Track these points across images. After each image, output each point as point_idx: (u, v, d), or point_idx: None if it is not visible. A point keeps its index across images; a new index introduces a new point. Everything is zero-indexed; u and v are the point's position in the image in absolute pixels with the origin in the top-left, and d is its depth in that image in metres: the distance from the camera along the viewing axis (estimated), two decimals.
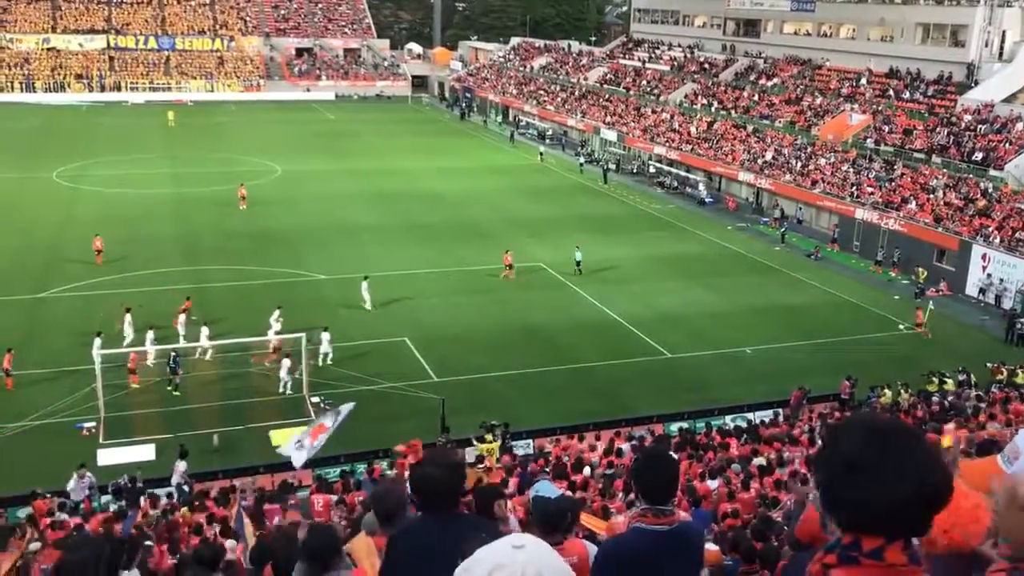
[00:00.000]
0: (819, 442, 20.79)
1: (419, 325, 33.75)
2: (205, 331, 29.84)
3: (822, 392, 28.16)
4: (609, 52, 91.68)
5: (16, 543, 17.03)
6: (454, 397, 26.87)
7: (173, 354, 28.25)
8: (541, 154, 70.34)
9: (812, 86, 63.35)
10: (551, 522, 5.00)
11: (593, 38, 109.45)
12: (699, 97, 70.15)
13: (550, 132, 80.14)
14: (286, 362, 27.95)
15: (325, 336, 30.17)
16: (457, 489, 4.01)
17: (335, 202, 52.47)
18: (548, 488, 5.76)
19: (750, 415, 26.51)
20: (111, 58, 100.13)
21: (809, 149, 55.81)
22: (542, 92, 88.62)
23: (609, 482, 17.54)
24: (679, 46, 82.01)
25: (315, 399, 27.40)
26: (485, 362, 30.98)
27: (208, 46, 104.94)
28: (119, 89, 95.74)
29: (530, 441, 25.08)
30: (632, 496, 14.94)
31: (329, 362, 30.05)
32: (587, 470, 19.30)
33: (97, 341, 27.88)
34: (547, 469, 18.83)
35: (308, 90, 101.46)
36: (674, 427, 25.82)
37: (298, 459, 19.01)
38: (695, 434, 24.04)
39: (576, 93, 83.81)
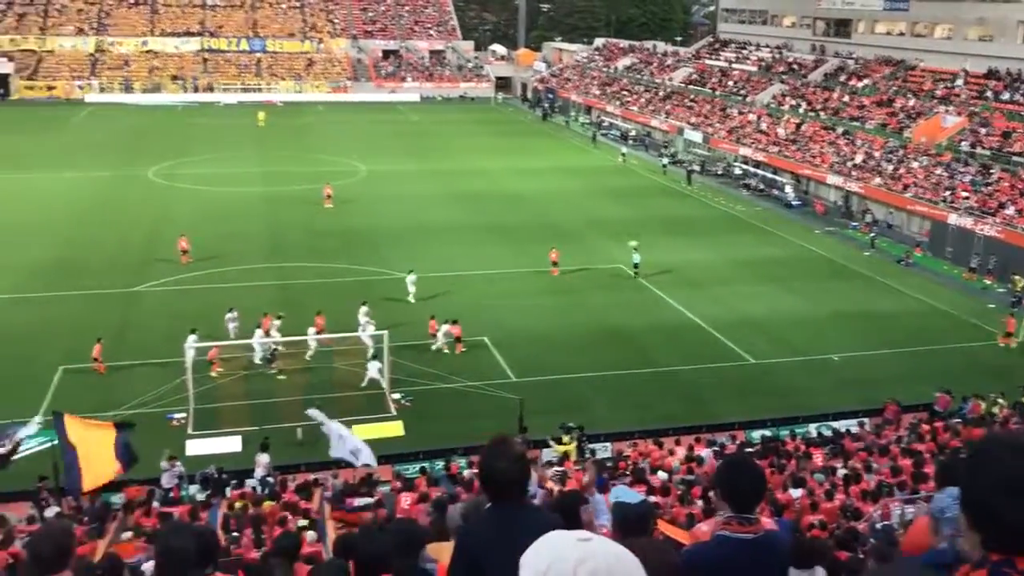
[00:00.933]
0: (916, 455, 20.19)
1: (499, 325, 33.86)
2: (312, 331, 30.36)
3: (912, 402, 27.28)
4: (695, 52, 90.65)
5: (109, 528, 17.70)
6: (532, 398, 26.88)
7: (273, 347, 29.46)
8: (623, 155, 69.91)
9: (905, 87, 61.52)
10: (632, 527, 4.95)
11: (679, 38, 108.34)
12: (787, 98, 68.81)
13: (633, 133, 79.59)
14: (375, 364, 28.29)
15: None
16: (523, 480, 4.03)
17: (418, 202, 53.06)
18: (628, 493, 5.70)
19: (835, 424, 25.86)
20: (205, 60, 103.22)
21: (901, 152, 54.21)
22: (626, 93, 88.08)
23: (688, 489, 17.32)
24: (767, 46, 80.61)
25: (396, 396, 27.75)
26: (564, 363, 30.93)
27: (298, 48, 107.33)
28: (212, 90, 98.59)
29: (608, 444, 24.94)
30: (712, 504, 14.73)
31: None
32: (664, 475, 19.10)
33: (192, 337, 28.74)
34: (626, 473, 18.70)
35: (393, 91, 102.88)
36: (756, 434, 25.36)
37: (337, 451, 19.59)
38: (778, 442, 23.57)
39: (660, 94, 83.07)
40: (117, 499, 20.44)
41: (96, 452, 17.90)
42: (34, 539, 4.63)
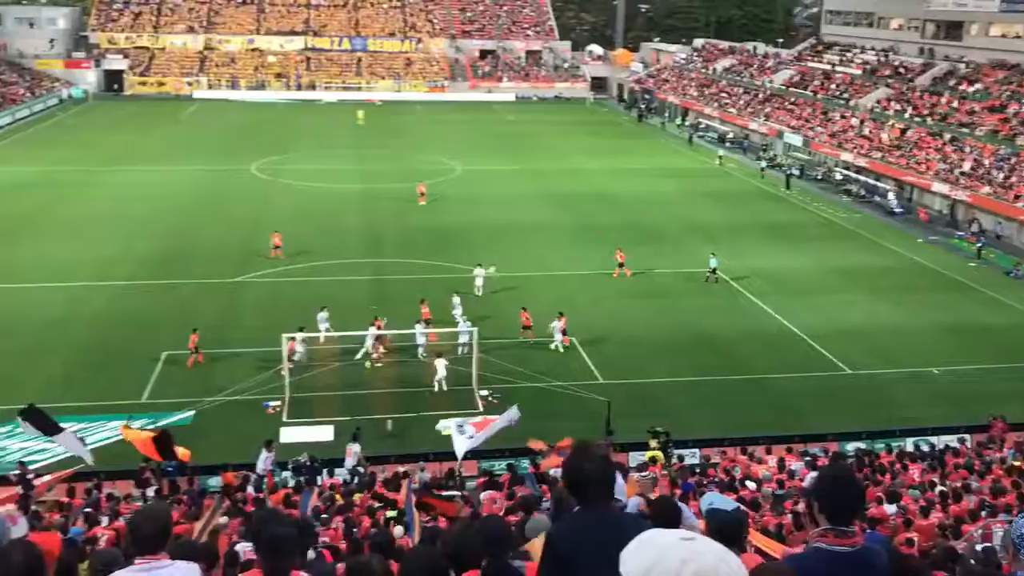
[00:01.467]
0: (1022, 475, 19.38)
1: (588, 326, 33.75)
2: (420, 327, 30.80)
3: (1020, 420, 26.13)
4: (797, 54, 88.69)
5: (205, 510, 18.31)
6: (620, 400, 26.74)
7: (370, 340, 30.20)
8: (720, 158, 68.88)
9: (1019, 92, 58.94)
10: (727, 535, 4.89)
11: (780, 40, 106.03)
12: (892, 103, 66.72)
13: (730, 135, 78.34)
14: (440, 362, 28.41)
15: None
16: (609, 481, 4.06)
17: (511, 201, 53.33)
18: (722, 500, 5.63)
19: (934, 439, 24.98)
20: (308, 58, 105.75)
21: (1013, 160, 51.97)
22: (724, 95, 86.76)
23: (779, 501, 16.97)
24: (872, 49, 78.32)
25: (483, 392, 27.96)
26: (653, 366, 30.66)
27: (397, 48, 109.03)
28: (314, 88, 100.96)
29: (696, 450, 24.62)
30: (804, 516, 14.40)
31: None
32: (753, 485, 18.76)
33: (322, 314, 30.71)
34: (715, 480, 18.44)
35: (490, 91, 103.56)
36: (850, 446, 24.67)
37: (460, 447, 19.59)
38: (873, 455, 22.89)
39: (760, 96, 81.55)
40: (214, 482, 21.18)
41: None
42: (134, 519, 4.82)
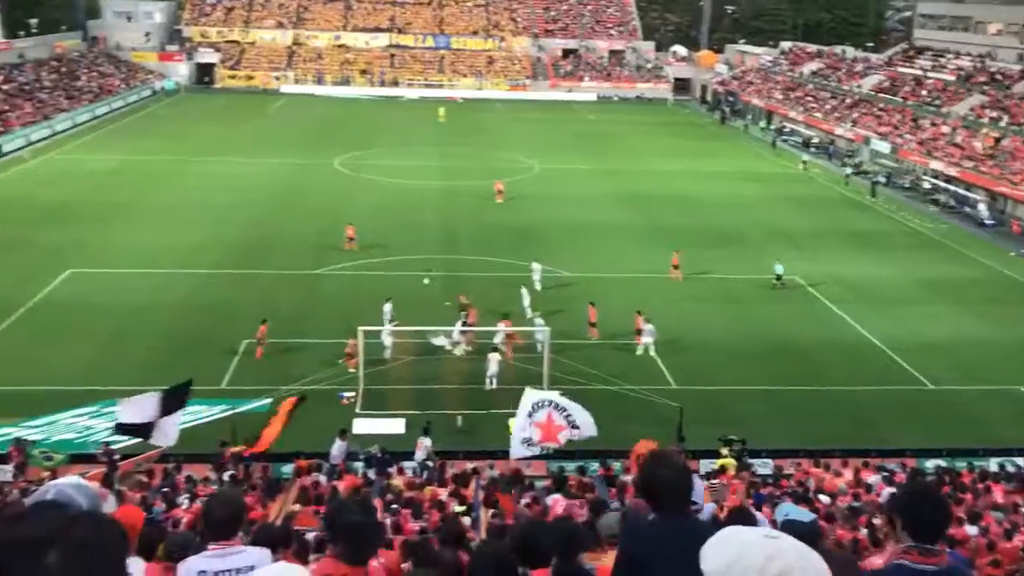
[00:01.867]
0: None
1: (662, 330, 33.36)
2: (501, 326, 30.74)
3: None
4: (888, 59, 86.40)
5: (279, 497, 18.69)
6: (692, 406, 26.41)
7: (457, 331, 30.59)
8: (804, 163, 67.51)
9: None
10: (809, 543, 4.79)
11: (870, 44, 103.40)
12: (987, 110, 64.51)
13: (815, 140, 76.76)
14: (492, 357, 28.40)
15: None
16: (687, 489, 4.02)
17: (589, 201, 53.16)
18: (799, 512, 5.52)
19: (1020, 460, 24.09)
20: (392, 55, 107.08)
21: None
22: (810, 98, 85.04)
23: (854, 515, 16.56)
24: (967, 55, 75.82)
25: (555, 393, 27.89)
26: (727, 373, 30.23)
27: (480, 46, 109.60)
28: (396, 85, 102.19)
29: (769, 461, 24.18)
30: (881, 532, 14.03)
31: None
32: (827, 498, 18.35)
33: (387, 307, 31.34)
34: (788, 491, 18.09)
35: (570, 91, 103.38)
36: (929, 464, 23.93)
37: (516, 451, 19.31)
38: (954, 473, 22.17)
39: (847, 101, 79.72)
40: (287, 469, 21.61)
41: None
42: (208, 504, 4.93)
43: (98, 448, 22.45)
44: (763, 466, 23.70)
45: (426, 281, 36.76)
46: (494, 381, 28.17)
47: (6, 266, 38.14)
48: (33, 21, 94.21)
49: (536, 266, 37.13)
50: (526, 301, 33.64)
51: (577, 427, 18.06)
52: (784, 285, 38.42)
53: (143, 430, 16.37)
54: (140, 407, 16.13)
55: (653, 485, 3.95)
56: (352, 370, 28.41)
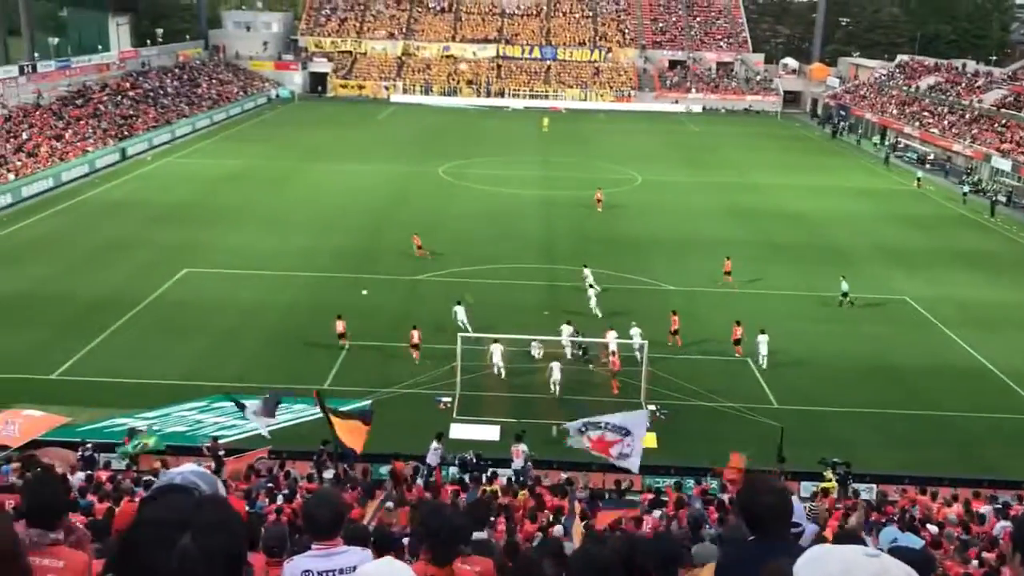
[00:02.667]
0: None
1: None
2: (613, 334, 30.66)
3: None
4: (1011, 73, 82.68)
5: (376, 497, 19.05)
6: (793, 427, 25.81)
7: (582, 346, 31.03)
8: (919, 179, 65.17)
9: None
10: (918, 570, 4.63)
11: (994, 57, 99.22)
12: None
13: (931, 156, 74.03)
14: (555, 365, 28.35)
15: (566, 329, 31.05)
16: (787, 514, 3.96)
17: (691, 213, 52.54)
18: (907, 538, 5.35)
19: None
20: (499, 66, 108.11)
21: None
22: (927, 113, 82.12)
23: (964, 547, 15.88)
24: None
25: (652, 407, 27.66)
26: (831, 395, 29.41)
27: (587, 57, 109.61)
28: (503, 95, 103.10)
29: (873, 486, 23.42)
30: (999, 565, 13.43)
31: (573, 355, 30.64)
32: (935, 528, 17.64)
33: (458, 309, 31.75)
34: (893, 518, 17.48)
35: (676, 102, 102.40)
36: None
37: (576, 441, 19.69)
38: None
39: (967, 116, 76.66)
40: (384, 471, 22.02)
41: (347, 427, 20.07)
42: (308, 505, 5.05)
43: (205, 442, 23.32)
44: (867, 491, 22.98)
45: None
46: (558, 388, 28.19)
47: (126, 264, 40.04)
48: (159, 31, 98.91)
49: (588, 271, 37.19)
50: (592, 303, 34.67)
51: (627, 455, 18.67)
52: (852, 303, 37.16)
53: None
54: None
55: (753, 510, 3.92)
56: (416, 362, 29.73)
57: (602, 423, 20.27)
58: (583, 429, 20.77)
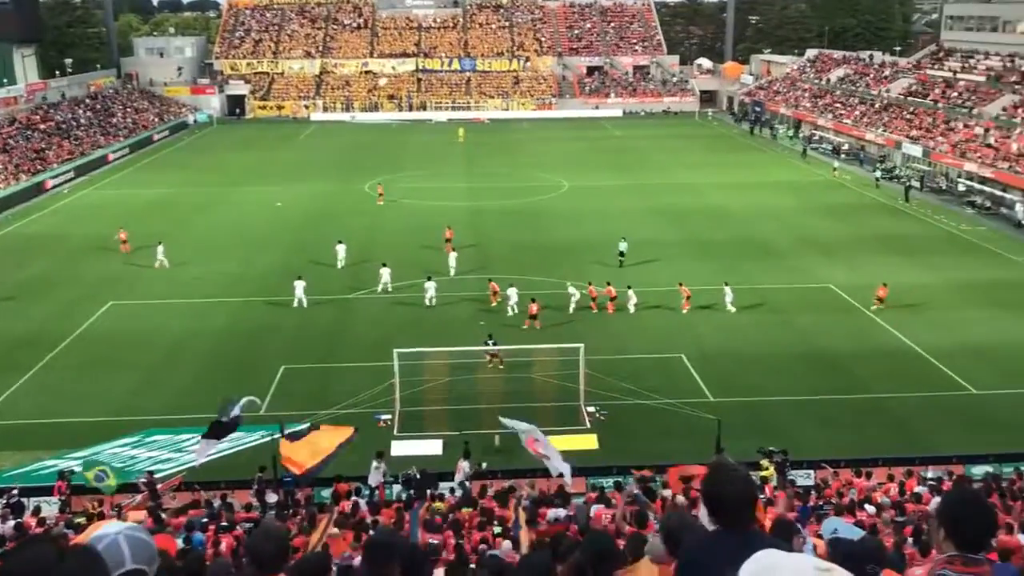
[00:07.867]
0: None
1: (697, 342, 33.28)
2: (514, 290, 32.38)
3: None
4: (916, 62, 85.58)
5: (320, 523, 18.71)
6: (730, 418, 26.19)
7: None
8: (835, 169, 66.93)
9: None
10: (858, 565, 4.63)
11: (898, 48, 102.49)
12: (1019, 110, 63.61)
13: (845, 147, 76.12)
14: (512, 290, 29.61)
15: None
16: (752, 503, 3.90)
17: (619, 216, 53.02)
18: (847, 528, 5.43)
19: None
20: (419, 80, 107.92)
21: None
22: (838, 105, 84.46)
23: (900, 527, 16.26)
24: (997, 55, 74.91)
25: (590, 408, 27.82)
26: (765, 384, 29.97)
27: (506, 67, 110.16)
28: (424, 108, 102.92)
29: (811, 472, 23.88)
30: (930, 542, 13.77)
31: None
32: (872, 509, 18.04)
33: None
34: (831, 502, 17.83)
35: (597, 107, 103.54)
36: (977, 470, 23.49)
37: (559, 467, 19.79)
38: (1002, 480, 21.70)
39: (876, 106, 79.03)
40: (326, 494, 21.67)
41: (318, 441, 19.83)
42: (253, 540, 4.90)
43: (140, 477, 22.69)
44: (805, 477, 23.42)
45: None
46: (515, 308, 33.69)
47: (48, 300, 38.82)
48: (68, 61, 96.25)
49: (512, 291, 36.75)
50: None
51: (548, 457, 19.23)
52: (621, 265, 41.04)
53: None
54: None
55: (719, 500, 3.84)
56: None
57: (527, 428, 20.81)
58: (522, 430, 20.99)
